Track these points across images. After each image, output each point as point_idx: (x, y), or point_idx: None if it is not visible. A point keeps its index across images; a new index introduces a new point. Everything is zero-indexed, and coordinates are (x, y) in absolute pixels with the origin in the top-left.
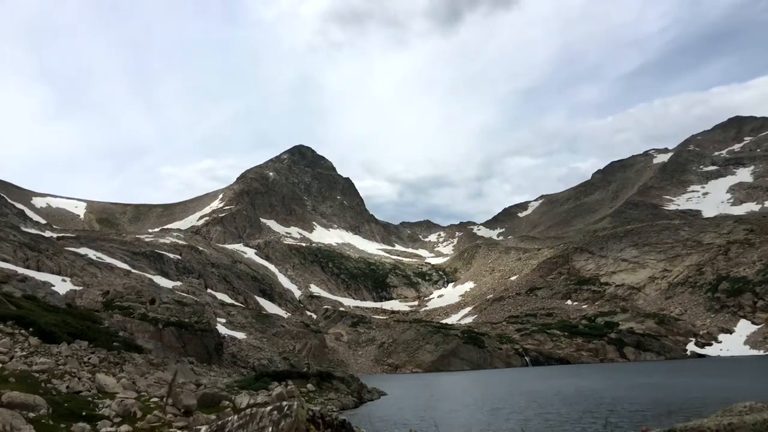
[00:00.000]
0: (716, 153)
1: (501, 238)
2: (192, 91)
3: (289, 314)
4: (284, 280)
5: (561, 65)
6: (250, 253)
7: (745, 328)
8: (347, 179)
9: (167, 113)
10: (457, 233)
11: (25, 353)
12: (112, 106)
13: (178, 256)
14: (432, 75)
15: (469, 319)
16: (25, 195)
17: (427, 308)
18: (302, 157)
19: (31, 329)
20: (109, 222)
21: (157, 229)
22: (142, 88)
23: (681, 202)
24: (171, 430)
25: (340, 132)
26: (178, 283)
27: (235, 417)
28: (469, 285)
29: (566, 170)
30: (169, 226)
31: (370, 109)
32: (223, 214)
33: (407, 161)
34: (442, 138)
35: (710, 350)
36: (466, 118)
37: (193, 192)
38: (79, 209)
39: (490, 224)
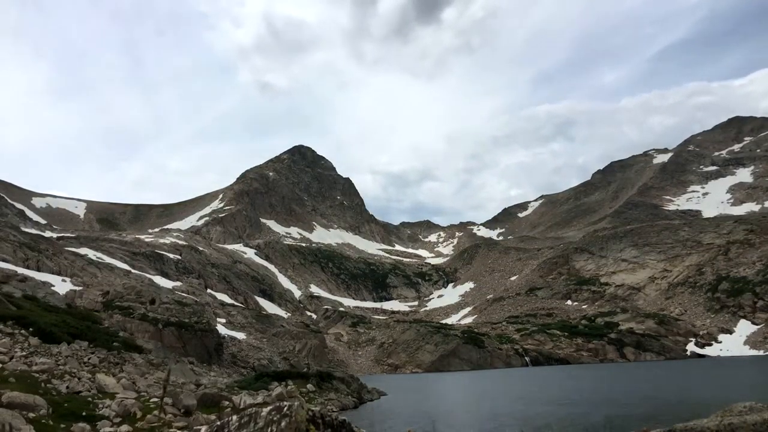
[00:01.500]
0: (716, 153)
1: (501, 238)
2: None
3: (289, 314)
4: (284, 280)
5: (579, 47)
6: (250, 253)
7: (745, 328)
8: (347, 179)
9: (159, 103)
10: (456, 233)
11: (25, 353)
12: (100, 93)
13: (178, 257)
14: (432, 66)
15: (469, 320)
16: (25, 195)
17: (427, 308)
18: (302, 157)
19: (31, 329)
20: (109, 222)
21: (157, 230)
22: (133, 75)
23: (681, 203)
24: (171, 430)
25: (335, 123)
26: (178, 284)
27: (235, 417)
28: (469, 285)
29: (563, 162)
30: (169, 226)
31: (365, 101)
32: (223, 215)
33: (394, 153)
34: (435, 129)
35: (710, 350)
36: (464, 108)
37: (150, 188)
38: (79, 209)
39: (489, 224)
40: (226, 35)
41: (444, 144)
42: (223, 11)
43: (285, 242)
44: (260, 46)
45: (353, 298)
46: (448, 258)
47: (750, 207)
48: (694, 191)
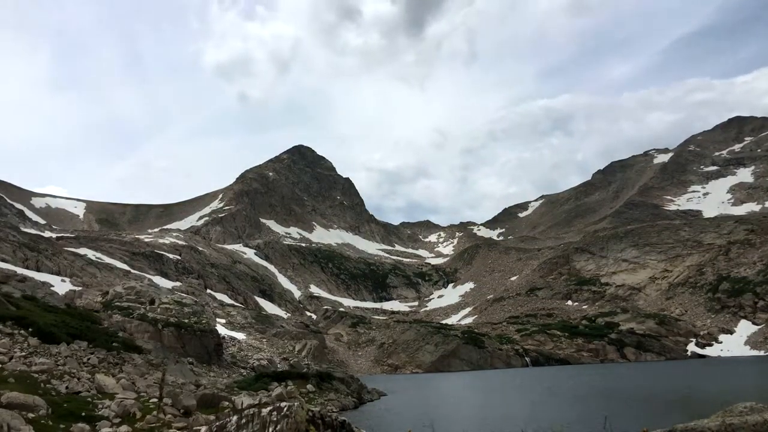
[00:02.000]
0: (717, 153)
1: (501, 238)
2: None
3: (288, 315)
4: (284, 281)
5: (582, 41)
6: (249, 254)
7: (745, 328)
8: (347, 179)
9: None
10: (457, 233)
11: (24, 353)
12: (95, 88)
13: (178, 257)
14: (423, 73)
15: (469, 320)
16: (25, 195)
17: (427, 309)
18: (302, 157)
19: (30, 329)
20: (109, 222)
21: (156, 230)
22: (127, 66)
23: (681, 203)
24: (170, 430)
25: (326, 122)
26: (178, 284)
27: (235, 417)
28: (469, 285)
29: (562, 158)
30: (168, 226)
31: (354, 103)
32: (223, 215)
33: (388, 150)
34: (429, 125)
35: (711, 351)
36: (459, 104)
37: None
38: (79, 209)
39: (490, 224)
40: (210, 50)
41: (439, 140)
42: (207, 27)
43: (285, 242)
44: (244, 62)
45: (353, 299)
46: (448, 258)
47: (750, 207)
48: (694, 191)
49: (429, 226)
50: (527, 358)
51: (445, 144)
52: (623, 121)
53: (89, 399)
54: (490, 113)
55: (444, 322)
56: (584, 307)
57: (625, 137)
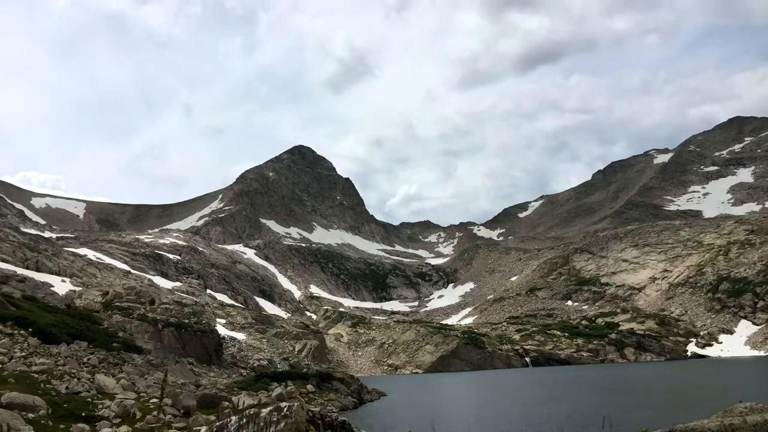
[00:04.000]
0: (717, 153)
1: (501, 238)
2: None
3: (288, 315)
4: (284, 281)
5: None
6: (249, 254)
7: (745, 328)
8: (347, 179)
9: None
10: (457, 234)
11: (24, 354)
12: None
13: (178, 257)
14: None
15: (469, 320)
16: (25, 195)
17: (427, 309)
18: (302, 158)
19: (30, 330)
20: (109, 222)
21: (156, 230)
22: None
23: (681, 203)
24: (170, 431)
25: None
26: (178, 284)
27: (235, 418)
28: (469, 285)
29: (553, 143)
30: (168, 226)
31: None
32: (223, 215)
33: (361, 135)
34: (411, 112)
35: (711, 351)
36: (441, 90)
37: None
38: (79, 209)
39: (490, 225)
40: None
41: (414, 126)
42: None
43: (285, 242)
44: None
45: (353, 299)
46: (448, 258)
47: (750, 207)
48: (694, 191)
49: (429, 226)
50: (527, 359)
51: (421, 130)
52: (617, 100)
53: (89, 399)
54: (477, 97)
55: (444, 322)
56: (584, 307)
57: (621, 122)
